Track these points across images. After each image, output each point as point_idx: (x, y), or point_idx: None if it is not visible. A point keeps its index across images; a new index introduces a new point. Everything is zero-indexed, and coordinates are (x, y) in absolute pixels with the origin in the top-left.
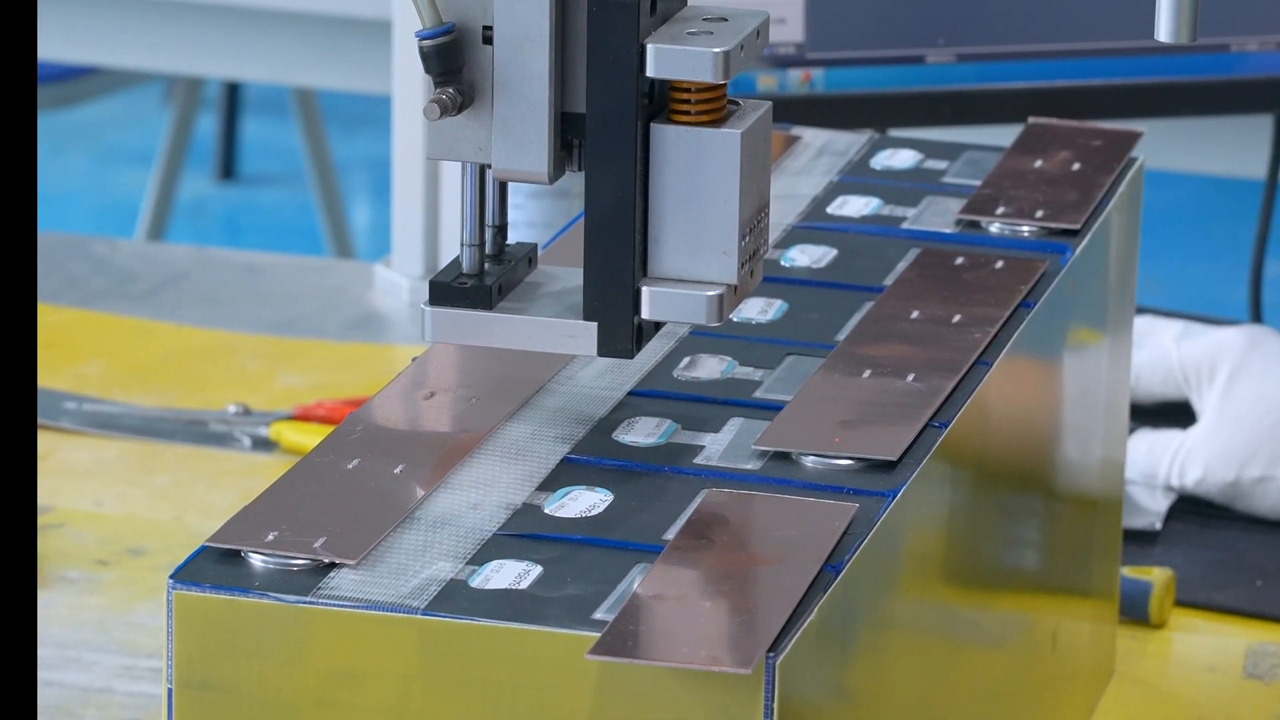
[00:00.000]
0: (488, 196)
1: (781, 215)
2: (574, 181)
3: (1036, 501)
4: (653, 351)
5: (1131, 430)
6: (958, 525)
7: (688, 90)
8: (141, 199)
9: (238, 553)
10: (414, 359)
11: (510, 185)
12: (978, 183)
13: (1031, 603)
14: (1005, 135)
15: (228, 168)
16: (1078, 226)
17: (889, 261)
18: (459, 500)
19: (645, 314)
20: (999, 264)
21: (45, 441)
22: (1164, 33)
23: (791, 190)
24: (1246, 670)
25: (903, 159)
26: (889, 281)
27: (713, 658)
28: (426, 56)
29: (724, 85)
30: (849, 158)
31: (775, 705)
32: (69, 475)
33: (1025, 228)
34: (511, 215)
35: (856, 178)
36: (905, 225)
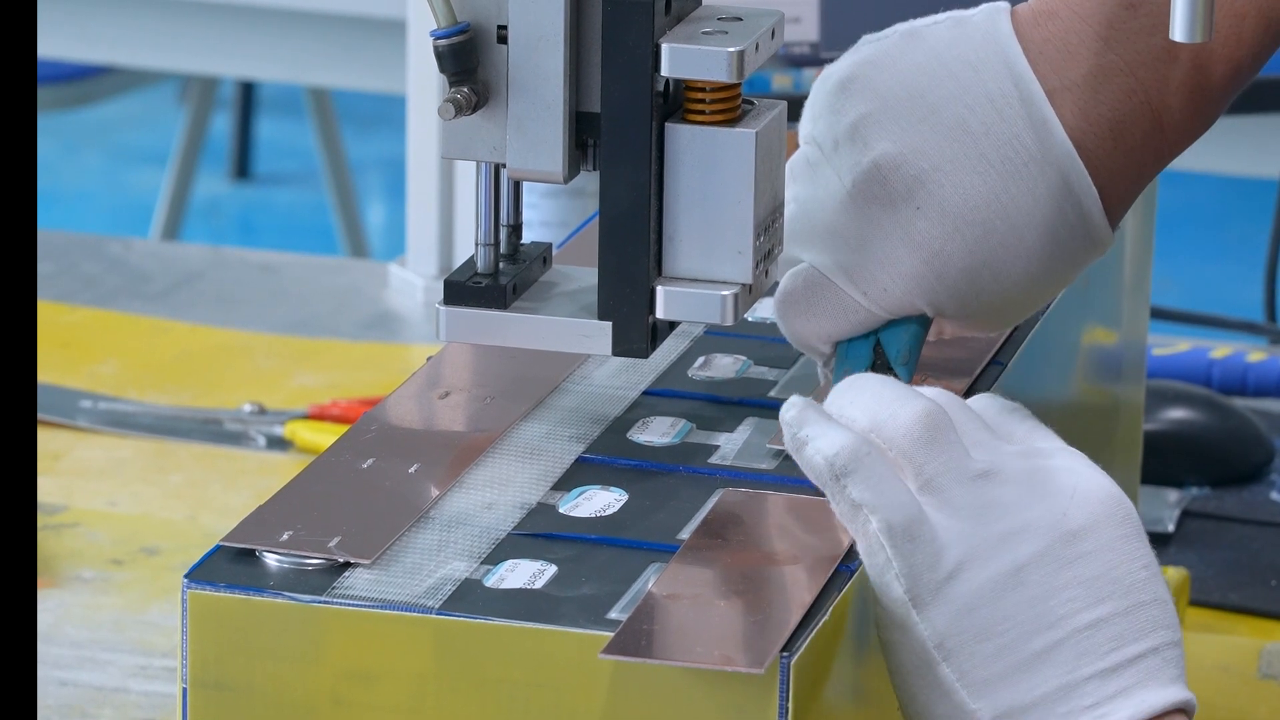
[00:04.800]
0: (502, 196)
1: None
2: (589, 181)
3: None
4: (667, 351)
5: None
6: None
7: (702, 90)
8: (156, 198)
9: (252, 552)
10: (429, 358)
11: (525, 184)
12: None
13: None
14: None
15: (242, 167)
16: None
17: None
18: (474, 500)
19: (660, 313)
20: None
21: (60, 440)
22: (1179, 32)
23: None
24: (1261, 670)
25: None
26: None
27: (726, 657)
28: (441, 56)
29: (739, 85)
30: None
31: (790, 705)
32: (83, 474)
33: None
34: (526, 214)
35: None
36: None
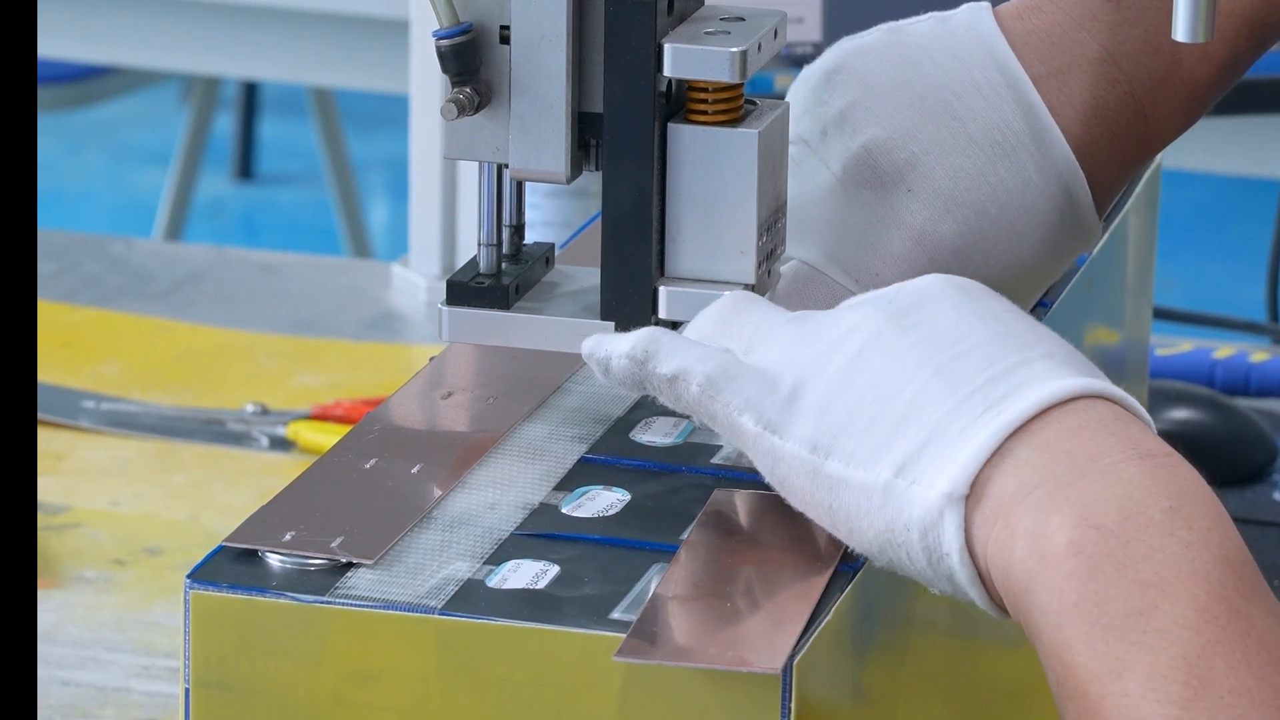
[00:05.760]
0: (505, 196)
1: None
2: (591, 181)
3: None
4: None
5: None
6: None
7: (705, 90)
8: (159, 198)
9: (255, 552)
10: (431, 359)
11: (527, 185)
12: None
13: None
14: None
15: (245, 167)
16: None
17: None
18: (476, 500)
19: (663, 314)
20: None
21: (62, 441)
22: (1181, 32)
23: None
24: None
25: None
26: None
27: (739, 658)
28: (443, 56)
29: (741, 85)
30: None
31: (793, 705)
32: (86, 475)
33: None
34: (529, 215)
35: None
36: None
